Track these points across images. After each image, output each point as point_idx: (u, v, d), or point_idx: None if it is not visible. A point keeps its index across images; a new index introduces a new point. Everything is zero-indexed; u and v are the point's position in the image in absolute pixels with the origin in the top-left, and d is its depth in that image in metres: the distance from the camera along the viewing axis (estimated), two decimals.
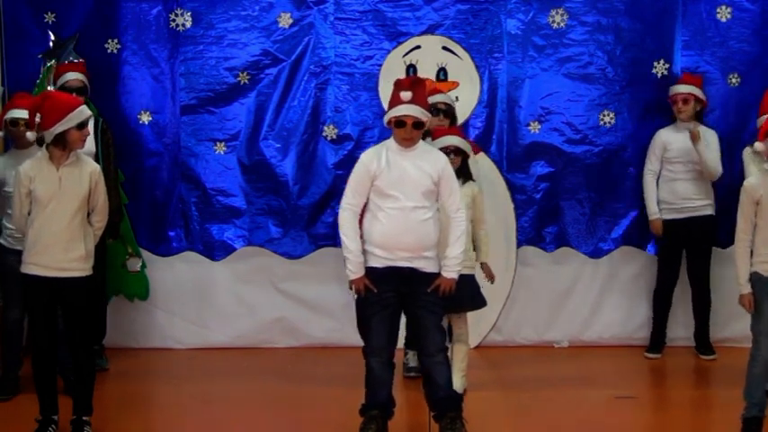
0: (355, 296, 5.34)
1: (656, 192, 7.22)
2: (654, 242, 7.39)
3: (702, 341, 7.24)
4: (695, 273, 7.22)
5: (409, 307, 5.26)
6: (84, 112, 5.31)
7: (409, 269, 5.20)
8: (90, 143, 6.70)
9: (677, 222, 7.17)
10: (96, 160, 6.66)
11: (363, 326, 5.33)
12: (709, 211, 7.16)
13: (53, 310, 5.34)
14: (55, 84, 6.93)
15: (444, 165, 5.28)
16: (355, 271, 5.23)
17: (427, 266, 5.24)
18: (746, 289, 5.23)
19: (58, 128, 5.20)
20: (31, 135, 5.68)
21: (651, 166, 7.25)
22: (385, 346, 5.25)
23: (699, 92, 7.17)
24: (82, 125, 5.28)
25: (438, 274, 5.26)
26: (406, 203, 5.15)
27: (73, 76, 6.80)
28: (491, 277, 6.22)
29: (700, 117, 7.22)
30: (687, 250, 7.22)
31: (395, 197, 5.16)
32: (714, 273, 7.24)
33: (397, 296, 5.22)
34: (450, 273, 5.26)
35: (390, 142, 5.29)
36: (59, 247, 5.24)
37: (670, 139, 7.18)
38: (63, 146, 5.24)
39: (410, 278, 5.20)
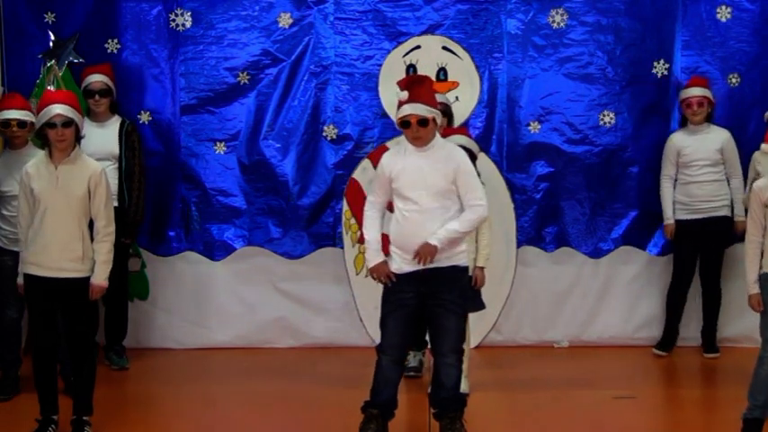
0: (384, 283, 5.25)
1: (672, 196, 7.18)
2: (666, 243, 7.34)
3: (708, 340, 7.23)
4: (707, 272, 7.19)
5: (429, 306, 5.20)
6: (48, 112, 5.17)
7: (429, 269, 5.15)
8: (113, 145, 6.74)
9: (693, 222, 7.12)
10: (120, 162, 6.69)
11: (381, 323, 5.31)
12: (725, 212, 7.11)
13: (53, 309, 5.32)
14: (79, 86, 6.93)
15: (460, 160, 5.22)
16: (371, 259, 5.23)
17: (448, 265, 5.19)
18: (755, 290, 5.22)
19: (36, 126, 5.30)
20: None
21: (667, 171, 7.19)
22: (397, 345, 5.24)
23: (710, 94, 7.14)
24: (50, 125, 5.15)
25: (462, 270, 5.24)
26: (423, 204, 5.12)
27: (95, 78, 6.83)
28: (479, 284, 6.10)
29: (710, 118, 7.21)
30: (701, 250, 7.18)
31: (412, 199, 5.14)
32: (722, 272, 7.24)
33: (417, 297, 5.18)
34: (433, 239, 5.08)
35: (407, 142, 5.27)
36: (56, 246, 5.19)
37: (684, 143, 7.13)
38: (45, 143, 5.26)
39: (431, 278, 5.16)
